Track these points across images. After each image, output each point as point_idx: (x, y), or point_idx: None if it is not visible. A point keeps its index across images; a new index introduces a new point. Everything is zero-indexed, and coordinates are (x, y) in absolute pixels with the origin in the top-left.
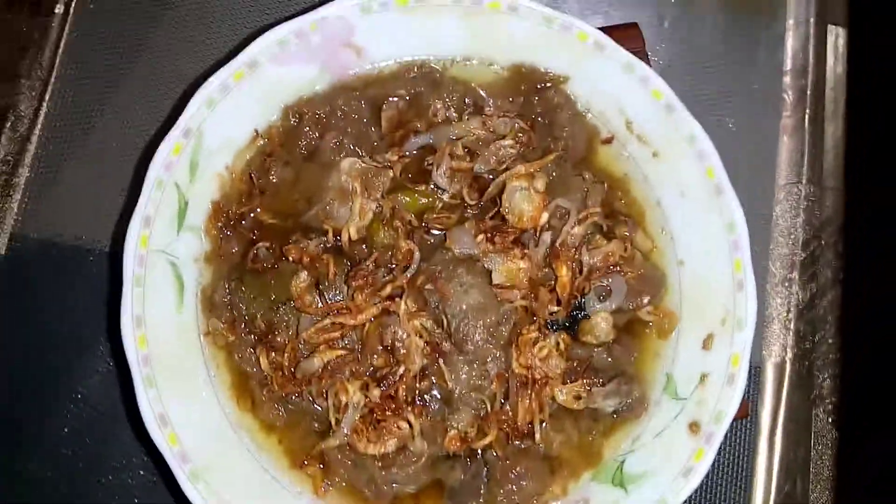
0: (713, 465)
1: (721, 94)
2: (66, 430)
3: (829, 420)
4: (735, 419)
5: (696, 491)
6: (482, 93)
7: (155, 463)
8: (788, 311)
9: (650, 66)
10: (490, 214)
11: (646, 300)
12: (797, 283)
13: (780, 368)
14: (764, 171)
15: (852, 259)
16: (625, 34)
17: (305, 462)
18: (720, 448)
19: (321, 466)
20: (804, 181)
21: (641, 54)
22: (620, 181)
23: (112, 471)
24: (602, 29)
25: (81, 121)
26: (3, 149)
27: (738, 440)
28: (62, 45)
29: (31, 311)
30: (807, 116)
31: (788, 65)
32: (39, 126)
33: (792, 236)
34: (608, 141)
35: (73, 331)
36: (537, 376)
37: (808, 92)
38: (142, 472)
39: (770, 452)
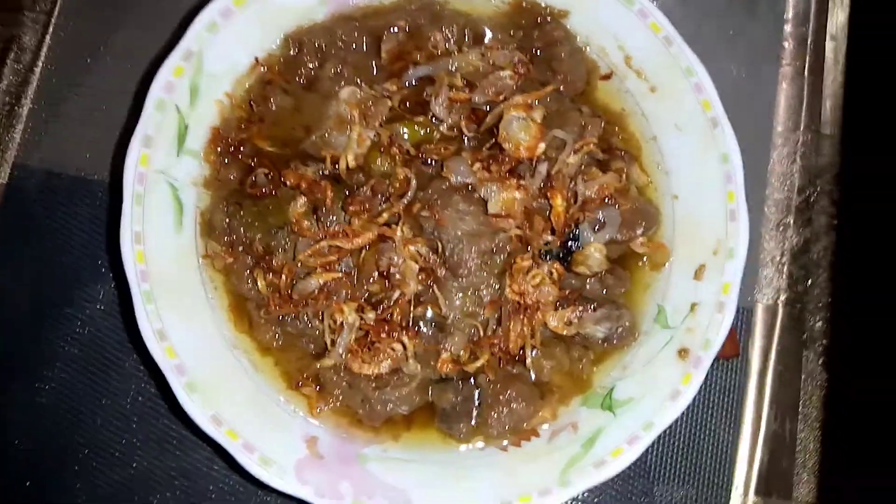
0: (702, 404)
1: (721, 40)
2: (66, 357)
3: (820, 362)
4: (726, 358)
5: (685, 430)
6: (482, 26)
7: (155, 382)
8: (782, 255)
9: None
10: (487, 145)
11: (639, 232)
12: (792, 227)
13: (771, 311)
14: (762, 118)
15: (847, 205)
16: None
17: (300, 383)
18: (710, 388)
19: (317, 388)
20: (802, 128)
21: None
22: (618, 116)
23: (111, 396)
24: None
25: (84, 53)
26: (6, 80)
27: (728, 380)
28: None
29: (32, 241)
30: (807, 64)
31: (790, 12)
32: (42, 58)
33: (788, 182)
34: (607, 77)
35: (74, 260)
36: (529, 302)
37: (809, 40)
38: (140, 399)
39: (760, 393)
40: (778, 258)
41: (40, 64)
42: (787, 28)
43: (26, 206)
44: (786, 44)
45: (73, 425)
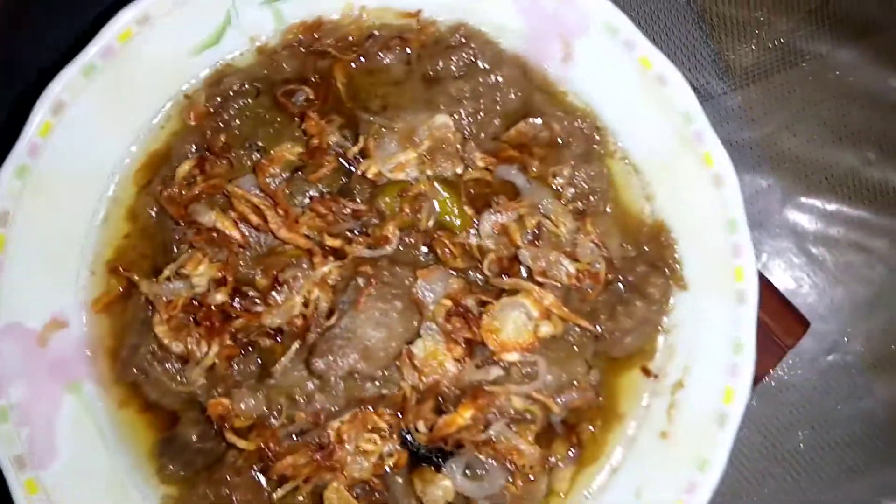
0: None
1: None
2: None
3: None
4: None
5: None
6: (608, 206)
7: None
8: None
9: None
10: (482, 299)
11: None
12: None
13: None
14: None
15: None
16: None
17: None
18: None
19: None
20: None
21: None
22: (615, 415)
23: None
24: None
25: None
26: None
27: None
28: None
29: None
30: None
31: None
32: None
33: None
34: (649, 374)
35: None
36: (330, 454)
37: None
38: None
39: None
40: None
41: None
42: None
43: None
44: None
45: None
